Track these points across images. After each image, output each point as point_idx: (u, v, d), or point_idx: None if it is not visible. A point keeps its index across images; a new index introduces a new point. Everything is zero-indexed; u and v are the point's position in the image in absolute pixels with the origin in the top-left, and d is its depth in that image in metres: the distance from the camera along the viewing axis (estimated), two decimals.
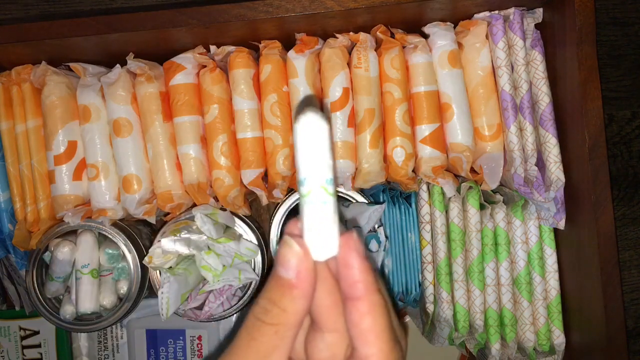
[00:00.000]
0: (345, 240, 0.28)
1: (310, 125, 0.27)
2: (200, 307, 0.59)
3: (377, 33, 0.55)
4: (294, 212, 0.65)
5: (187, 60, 0.56)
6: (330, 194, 0.27)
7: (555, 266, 0.56)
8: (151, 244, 0.56)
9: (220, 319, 0.60)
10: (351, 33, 0.55)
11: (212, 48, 0.55)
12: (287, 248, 0.28)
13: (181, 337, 0.68)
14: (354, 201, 0.59)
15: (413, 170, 0.57)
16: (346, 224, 0.57)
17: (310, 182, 0.27)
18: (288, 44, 0.56)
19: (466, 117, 0.56)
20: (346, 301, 0.28)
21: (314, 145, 0.27)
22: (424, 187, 0.57)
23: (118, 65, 0.56)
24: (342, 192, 0.59)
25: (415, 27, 0.56)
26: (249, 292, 0.59)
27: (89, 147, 0.57)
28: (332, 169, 0.27)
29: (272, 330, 0.28)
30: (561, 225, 0.54)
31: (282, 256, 0.28)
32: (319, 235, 0.28)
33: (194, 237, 0.55)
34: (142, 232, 0.62)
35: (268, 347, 0.28)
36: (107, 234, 0.58)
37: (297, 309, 0.28)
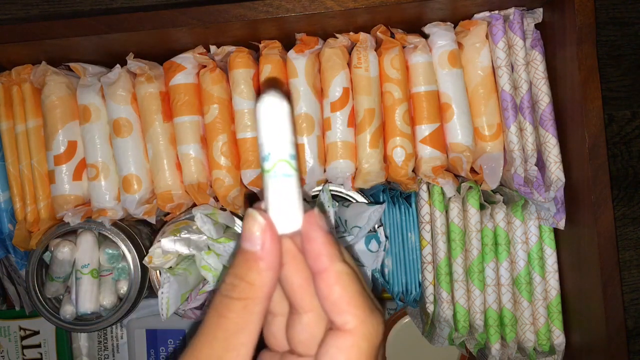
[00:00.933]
0: (308, 215, 0.28)
1: (271, 103, 0.28)
2: (200, 307, 0.59)
3: (377, 33, 0.55)
4: None
5: (187, 60, 0.56)
6: (294, 168, 0.28)
7: (555, 266, 0.56)
8: (151, 244, 0.56)
9: None
10: (351, 33, 0.55)
11: (212, 48, 0.55)
12: (251, 220, 0.28)
13: (181, 337, 0.68)
14: (354, 201, 0.59)
15: (413, 170, 0.57)
16: (346, 224, 0.57)
17: (274, 157, 0.28)
18: (288, 44, 0.56)
19: (466, 117, 0.56)
20: (314, 277, 0.28)
21: (275, 123, 0.28)
22: (424, 187, 0.57)
23: (118, 65, 0.56)
24: (342, 192, 0.59)
25: (415, 27, 0.56)
26: None
27: (89, 147, 0.57)
28: (294, 145, 0.28)
29: (240, 306, 0.27)
30: (561, 225, 0.54)
31: (247, 229, 0.28)
32: (283, 209, 0.28)
33: (194, 237, 0.55)
34: (142, 232, 0.62)
35: (237, 324, 0.27)
36: (107, 234, 0.58)
37: (265, 281, 0.27)
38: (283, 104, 0.28)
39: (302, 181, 0.56)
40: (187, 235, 0.55)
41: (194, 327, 0.67)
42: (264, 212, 0.28)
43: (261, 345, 0.31)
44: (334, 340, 0.27)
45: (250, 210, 0.28)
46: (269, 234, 0.28)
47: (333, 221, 0.56)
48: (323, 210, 0.57)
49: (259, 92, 0.56)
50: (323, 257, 0.28)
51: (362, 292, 0.28)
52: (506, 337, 0.57)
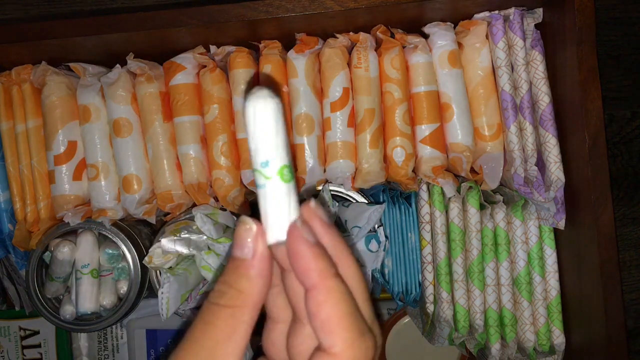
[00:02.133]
0: (291, 228, 0.27)
1: (260, 103, 0.25)
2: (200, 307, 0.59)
3: (377, 33, 0.55)
4: None
5: (187, 60, 0.56)
6: (285, 179, 0.26)
7: (555, 266, 0.56)
8: (151, 244, 0.56)
9: None
10: (351, 33, 0.55)
11: (212, 48, 0.55)
12: (243, 227, 0.27)
13: None
14: (354, 201, 0.59)
15: (413, 170, 0.57)
16: (346, 224, 0.57)
17: (269, 165, 0.26)
18: (288, 44, 0.56)
19: (466, 117, 0.56)
20: (305, 293, 0.27)
21: (265, 126, 0.25)
22: (424, 187, 0.57)
23: (118, 65, 0.56)
24: (342, 192, 0.59)
25: (415, 27, 0.56)
26: None
27: (89, 147, 0.57)
28: (286, 149, 0.26)
29: (228, 313, 0.26)
30: (561, 225, 0.54)
31: (238, 236, 0.27)
32: (276, 217, 0.27)
33: (194, 237, 0.55)
34: (142, 232, 0.62)
35: (225, 332, 0.26)
36: (107, 234, 0.58)
37: (254, 289, 0.27)
38: (273, 104, 0.25)
39: (300, 182, 0.56)
40: (187, 235, 0.55)
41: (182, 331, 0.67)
42: (256, 219, 0.27)
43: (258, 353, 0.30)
44: None
45: (243, 217, 0.27)
46: (260, 241, 0.27)
47: (333, 221, 0.56)
48: None
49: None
50: (311, 273, 0.26)
51: (353, 313, 0.26)
52: (506, 337, 0.57)
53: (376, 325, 0.28)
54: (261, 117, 0.25)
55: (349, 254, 0.28)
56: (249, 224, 0.27)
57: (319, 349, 0.26)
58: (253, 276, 0.27)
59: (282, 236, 0.27)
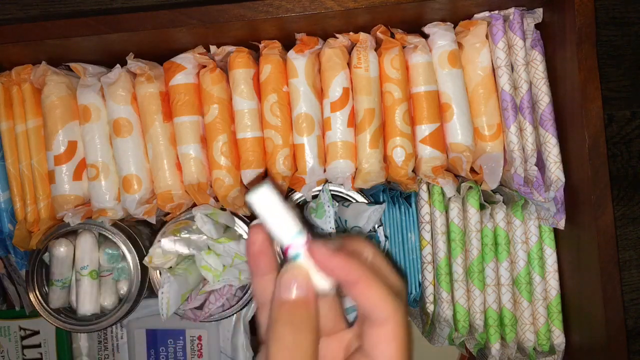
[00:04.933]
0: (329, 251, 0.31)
1: (263, 197, 0.30)
2: (200, 307, 0.59)
3: (377, 33, 0.55)
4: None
5: (187, 60, 0.56)
6: (301, 250, 0.31)
7: (555, 266, 0.56)
8: (151, 244, 0.56)
9: (220, 319, 0.60)
10: (351, 33, 0.55)
11: (212, 48, 0.55)
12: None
13: (181, 337, 0.68)
14: (354, 201, 0.59)
15: (413, 170, 0.57)
16: (346, 224, 0.57)
17: (287, 245, 0.31)
18: (288, 44, 0.56)
19: (466, 117, 0.56)
20: (348, 287, 0.30)
21: (274, 213, 0.31)
22: (424, 187, 0.57)
23: (118, 65, 0.56)
24: (342, 192, 0.59)
25: (415, 27, 0.56)
26: (249, 292, 0.59)
27: (89, 147, 0.57)
28: (295, 224, 0.31)
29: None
30: (561, 225, 0.54)
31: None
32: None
33: (194, 237, 0.55)
34: (142, 232, 0.62)
35: None
36: (107, 234, 0.58)
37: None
38: (274, 194, 0.30)
39: (300, 182, 0.56)
40: (187, 235, 0.55)
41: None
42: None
43: None
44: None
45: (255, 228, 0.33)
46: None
47: (333, 221, 0.56)
48: (323, 210, 0.57)
49: (258, 93, 0.56)
50: (352, 273, 0.30)
51: (386, 289, 0.31)
52: (506, 337, 0.57)
53: (401, 282, 0.33)
54: (276, 204, 0.31)
55: (362, 245, 0.33)
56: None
57: (371, 325, 0.31)
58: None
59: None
